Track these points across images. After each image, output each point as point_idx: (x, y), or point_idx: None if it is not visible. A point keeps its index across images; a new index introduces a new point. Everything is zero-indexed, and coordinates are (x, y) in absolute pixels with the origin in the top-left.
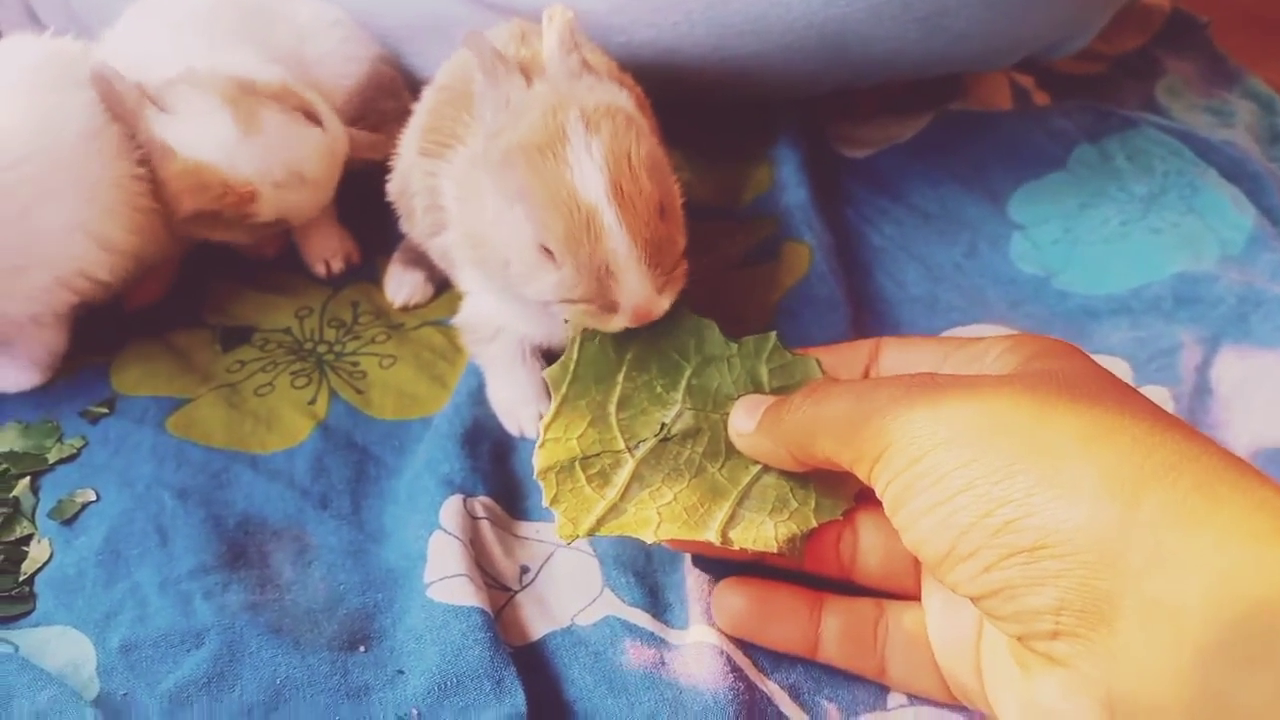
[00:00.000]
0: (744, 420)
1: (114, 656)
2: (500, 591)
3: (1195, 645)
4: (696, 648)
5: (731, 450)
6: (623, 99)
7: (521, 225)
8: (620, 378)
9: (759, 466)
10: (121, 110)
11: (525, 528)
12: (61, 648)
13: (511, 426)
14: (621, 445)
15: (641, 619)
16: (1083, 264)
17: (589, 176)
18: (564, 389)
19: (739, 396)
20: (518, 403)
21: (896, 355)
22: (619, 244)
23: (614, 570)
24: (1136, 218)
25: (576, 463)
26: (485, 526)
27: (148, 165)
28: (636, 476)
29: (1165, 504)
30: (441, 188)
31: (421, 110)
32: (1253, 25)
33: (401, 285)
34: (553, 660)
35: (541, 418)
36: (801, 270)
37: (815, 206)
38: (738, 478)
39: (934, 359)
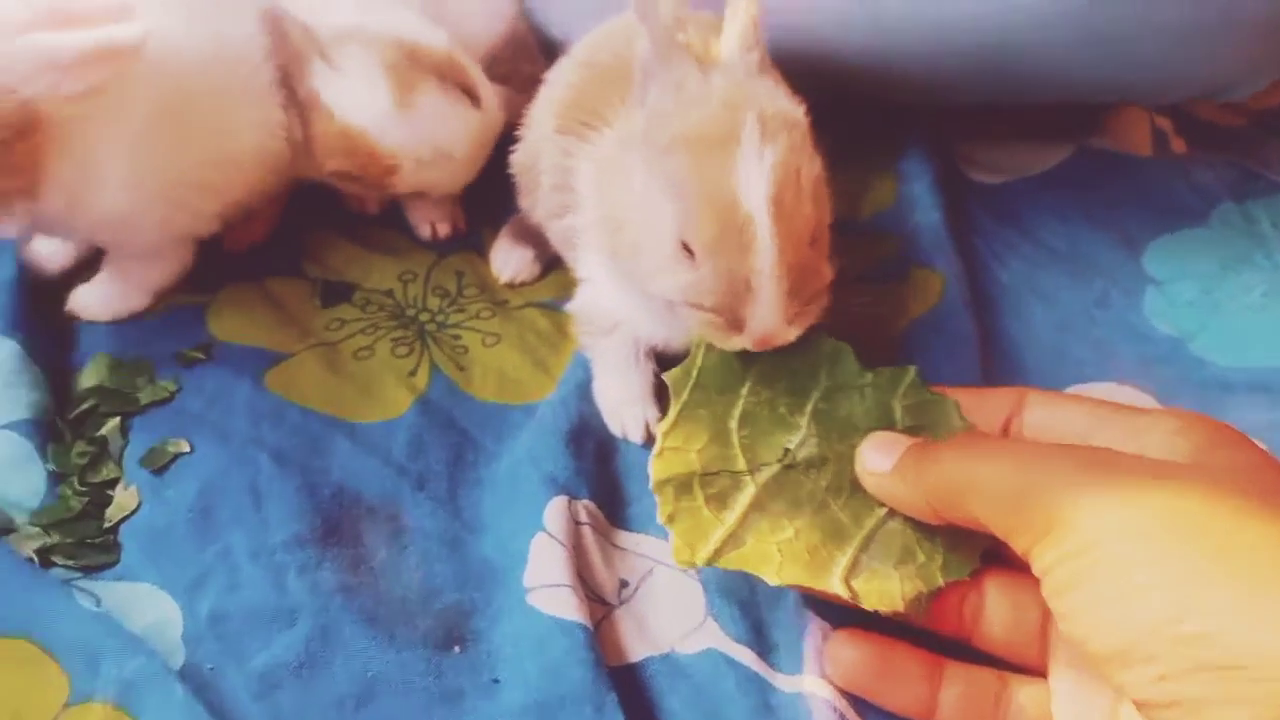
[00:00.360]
0: (878, 458)
1: (202, 625)
2: (598, 605)
3: None
4: (808, 699)
5: (856, 487)
6: (799, 112)
7: (668, 216)
8: (744, 391)
9: (884, 510)
10: (285, 54)
11: (626, 538)
12: (147, 607)
13: (615, 427)
14: (742, 466)
15: (747, 657)
16: (1221, 331)
17: (754, 183)
18: (685, 394)
19: (869, 430)
20: (625, 403)
21: (1043, 413)
22: (765, 261)
23: (718, 598)
24: None
25: (695, 479)
26: (587, 533)
27: (292, 110)
28: (756, 503)
29: None
30: (577, 169)
31: (560, 84)
32: None
33: (509, 260)
34: (650, 687)
35: (648, 423)
36: (931, 300)
37: (949, 231)
38: (861, 520)
39: (1086, 424)
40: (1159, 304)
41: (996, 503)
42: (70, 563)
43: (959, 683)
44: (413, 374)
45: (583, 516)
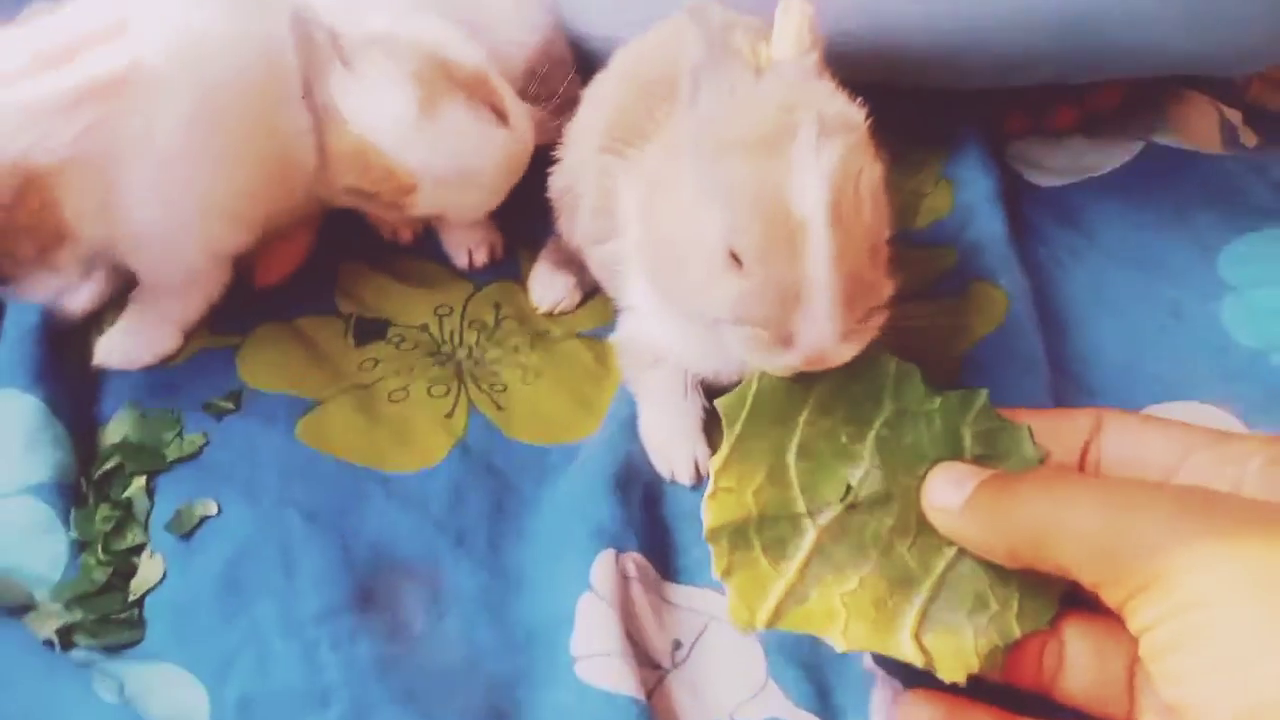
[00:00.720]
0: (948, 493)
1: (230, 712)
2: (650, 670)
3: None
4: None
5: (924, 525)
6: (860, 115)
7: (716, 225)
8: (802, 419)
9: (954, 549)
10: (310, 60)
11: (677, 592)
12: (173, 692)
13: (663, 468)
14: (802, 508)
15: None
16: None
17: (810, 185)
18: (739, 425)
19: (937, 460)
20: (673, 442)
21: (1123, 439)
22: (819, 269)
23: (778, 657)
24: None
25: (751, 525)
26: (637, 589)
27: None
28: (818, 549)
29: None
30: (619, 190)
31: (600, 100)
32: None
33: (549, 288)
34: None
35: (698, 461)
36: (996, 319)
37: (1012, 244)
38: (930, 563)
39: (1173, 450)
40: (1238, 313)
41: (1085, 551)
42: (93, 642)
43: None
44: (449, 415)
45: (632, 571)
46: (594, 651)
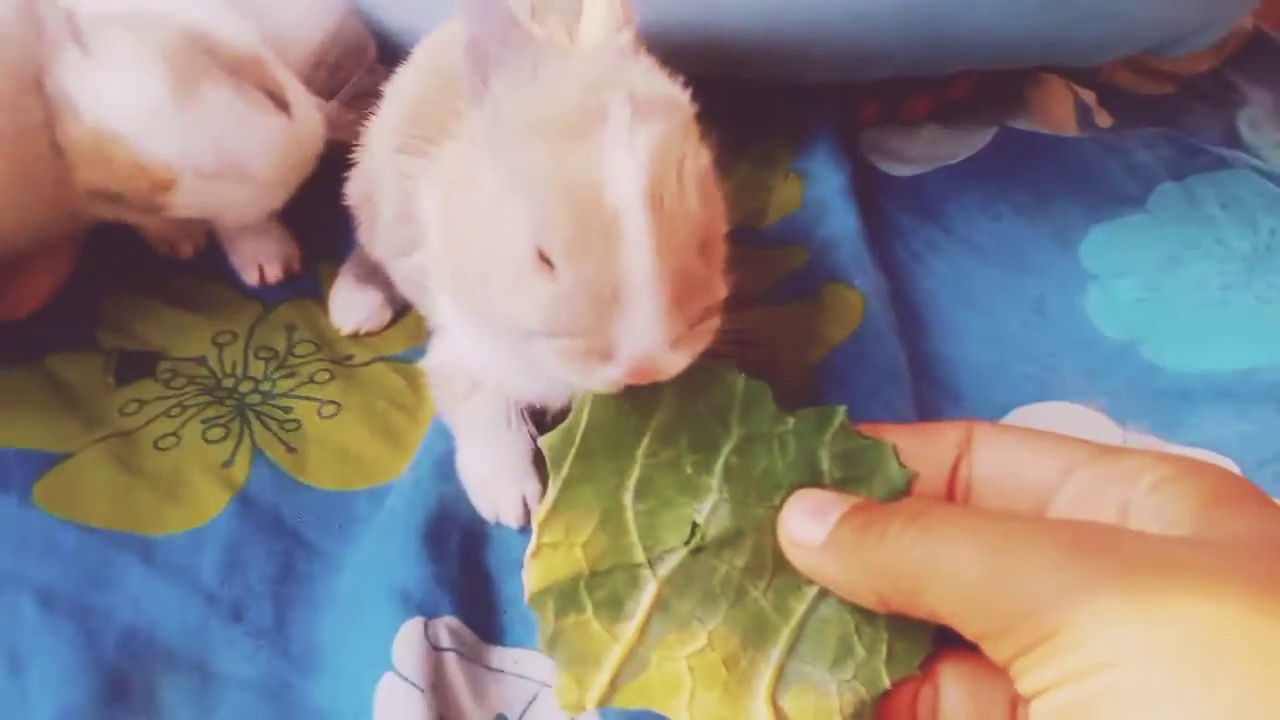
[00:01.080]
0: (808, 526)
1: None
2: None
3: None
4: None
5: (780, 561)
6: (683, 95)
7: (519, 220)
8: (640, 452)
9: (814, 588)
10: (39, 40)
11: (502, 656)
12: None
13: (486, 511)
14: (640, 557)
15: None
16: (1175, 332)
17: (624, 172)
18: (566, 467)
19: (793, 488)
20: (496, 480)
21: (996, 455)
22: (638, 265)
23: None
24: (1239, 281)
25: (581, 583)
26: (451, 661)
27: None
28: (660, 604)
29: None
30: (419, 194)
31: (399, 96)
32: None
33: (352, 307)
34: None
35: (526, 499)
36: (851, 324)
37: (866, 242)
38: (788, 606)
39: (1052, 468)
40: (1101, 304)
41: (965, 600)
42: None
43: None
44: (228, 464)
45: (444, 641)
46: None
